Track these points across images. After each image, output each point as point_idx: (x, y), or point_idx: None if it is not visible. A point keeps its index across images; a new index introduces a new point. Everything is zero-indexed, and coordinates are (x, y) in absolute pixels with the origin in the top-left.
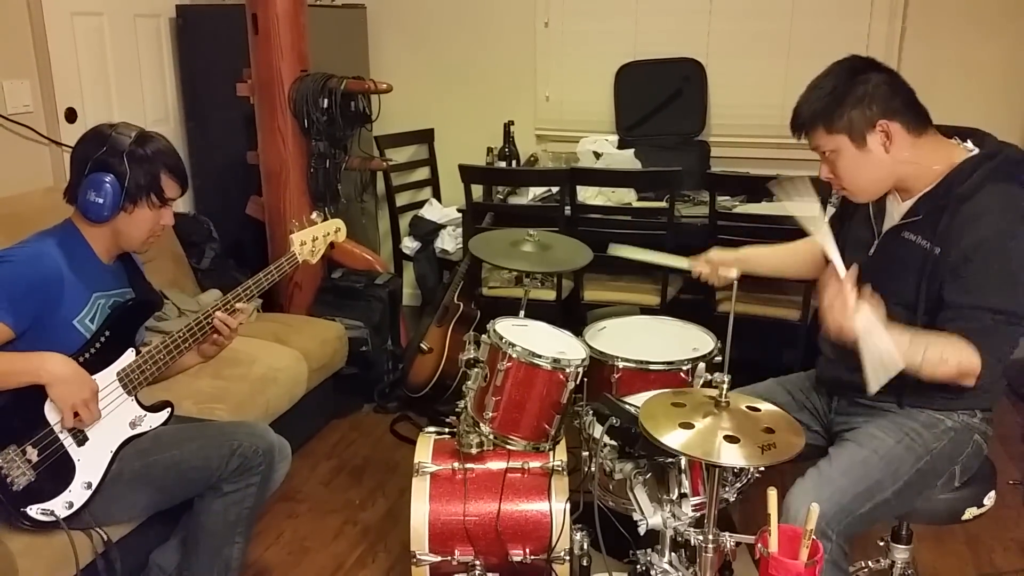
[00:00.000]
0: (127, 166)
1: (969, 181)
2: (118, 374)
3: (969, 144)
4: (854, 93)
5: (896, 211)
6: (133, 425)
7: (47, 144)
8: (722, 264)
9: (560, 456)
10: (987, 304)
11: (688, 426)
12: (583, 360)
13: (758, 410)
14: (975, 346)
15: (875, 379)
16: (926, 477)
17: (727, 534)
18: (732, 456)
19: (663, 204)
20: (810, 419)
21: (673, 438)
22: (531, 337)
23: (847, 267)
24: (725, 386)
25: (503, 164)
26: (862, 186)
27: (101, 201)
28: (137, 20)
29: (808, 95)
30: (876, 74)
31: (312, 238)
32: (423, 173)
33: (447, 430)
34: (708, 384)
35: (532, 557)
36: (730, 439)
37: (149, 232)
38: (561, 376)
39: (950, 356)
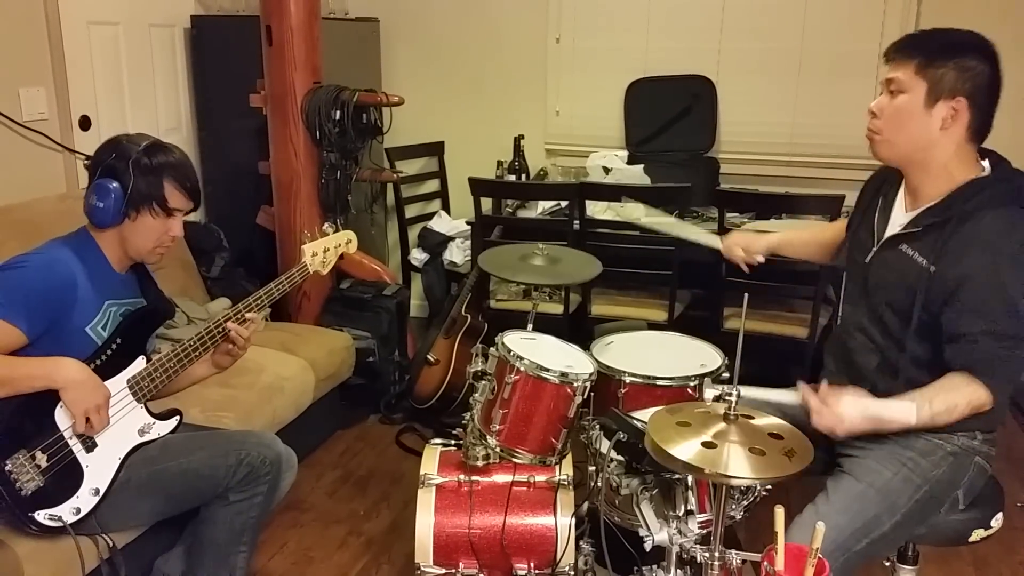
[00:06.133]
0: (131, 174)
1: (973, 201)
2: (128, 381)
3: (986, 163)
4: (965, 58)
5: (900, 220)
6: (142, 432)
7: (61, 151)
8: (754, 251)
9: (566, 470)
10: (986, 329)
11: (710, 446)
12: (590, 374)
13: (770, 430)
14: (981, 379)
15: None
16: (925, 507)
17: (733, 551)
18: (741, 468)
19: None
20: (814, 436)
21: (681, 451)
22: (539, 351)
23: (849, 269)
24: (734, 400)
25: (513, 178)
26: (894, 139)
27: (102, 206)
28: (152, 30)
29: (926, 31)
30: (991, 67)
31: (323, 249)
32: (433, 185)
33: (453, 442)
34: (718, 398)
35: (536, 571)
36: (756, 451)
37: (156, 242)
38: (568, 390)
39: (958, 401)
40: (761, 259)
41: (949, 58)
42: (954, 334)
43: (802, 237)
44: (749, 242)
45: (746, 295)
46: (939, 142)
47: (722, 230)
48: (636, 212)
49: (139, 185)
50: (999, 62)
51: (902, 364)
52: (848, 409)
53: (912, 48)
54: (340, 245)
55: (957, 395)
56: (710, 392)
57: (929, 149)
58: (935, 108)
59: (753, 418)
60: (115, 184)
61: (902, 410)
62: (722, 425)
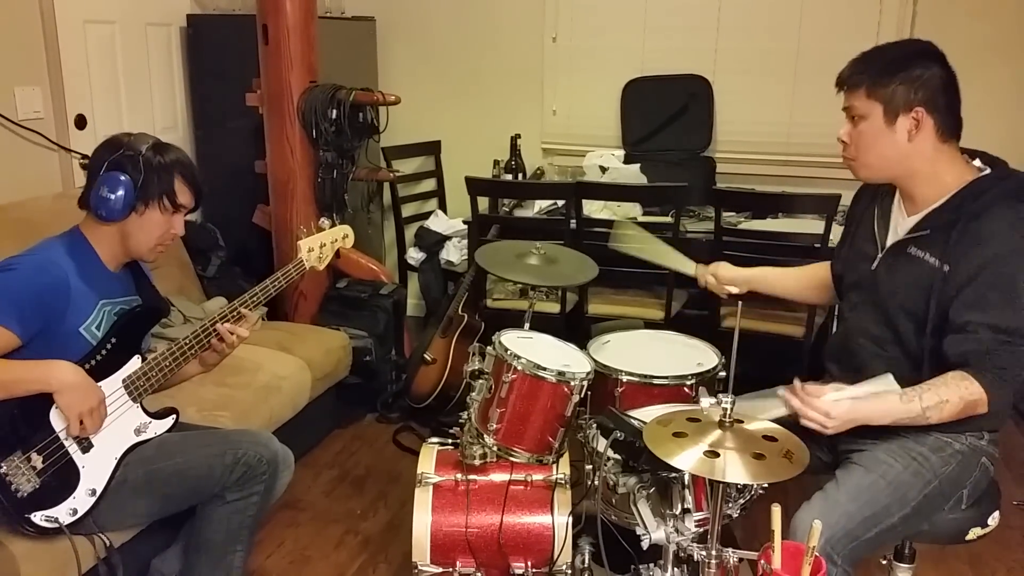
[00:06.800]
0: (142, 168)
1: (982, 199)
2: (123, 381)
3: (979, 163)
4: (910, 70)
5: (902, 225)
6: (138, 432)
7: (57, 150)
8: (729, 282)
9: (563, 469)
10: (988, 321)
11: (712, 454)
12: (587, 373)
13: (764, 433)
14: (975, 373)
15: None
16: (933, 502)
17: (730, 550)
18: (747, 474)
19: (668, 219)
20: (814, 436)
21: (684, 461)
22: (536, 350)
23: (850, 280)
24: (730, 408)
25: (509, 177)
26: (869, 161)
27: (113, 197)
28: (148, 29)
29: (867, 54)
30: (939, 67)
31: (320, 244)
32: (429, 185)
33: (450, 441)
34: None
35: (534, 570)
36: (757, 456)
37: (158, 239)
38: (565, 389)
39: (949, 396)
40: (733, 290)
41: (894, 75)
42: (956, 324)
43: (785, 275)
44: (724, 274)
45: (739, 301)
46: (912, 152)
47: (719, 229)
48: (628, 233)
49: (150, 178)
50: (946, 60)
51: (913, 371)
52: (831, 399)
53: (857, 75)
54: (336, 240)
55: (947, 390)
56: (706, 401)
57: (906, 161)
58: (896, 124)
59: (744, 423)
60: (125, 177)
61: (887, 398)
62: (718, 432)
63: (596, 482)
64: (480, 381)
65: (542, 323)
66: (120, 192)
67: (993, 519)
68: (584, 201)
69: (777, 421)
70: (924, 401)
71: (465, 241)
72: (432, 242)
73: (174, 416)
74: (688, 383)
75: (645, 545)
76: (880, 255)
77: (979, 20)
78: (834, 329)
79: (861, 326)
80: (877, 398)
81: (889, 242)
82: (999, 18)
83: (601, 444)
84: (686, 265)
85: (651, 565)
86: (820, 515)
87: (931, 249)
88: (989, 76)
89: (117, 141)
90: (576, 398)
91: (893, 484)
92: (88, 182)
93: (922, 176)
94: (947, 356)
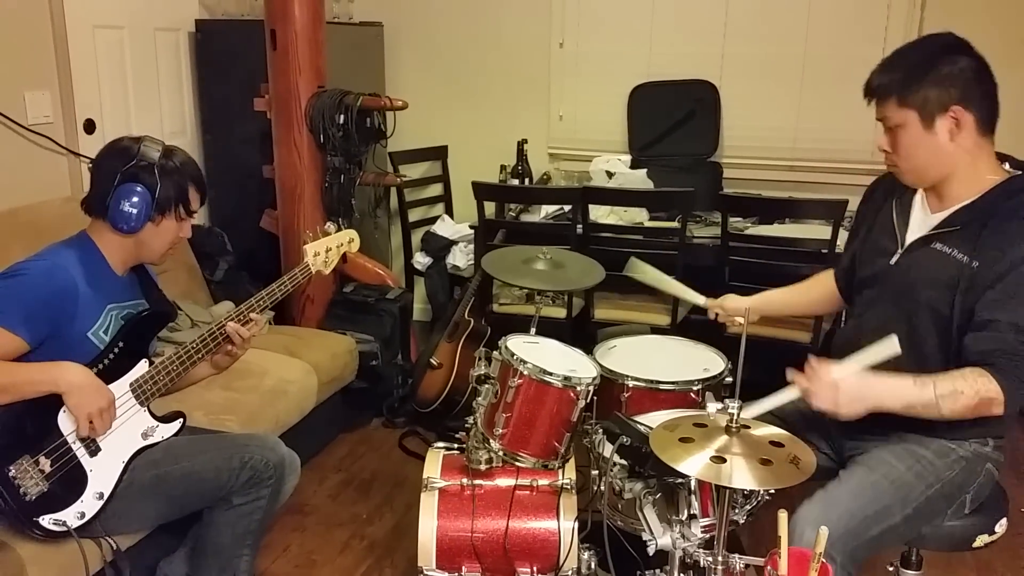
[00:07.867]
0: (158, 178)
1: (1016, 199)
2: (131, 385)
3: (1008, 167)
4: (938, 71)
5: (924, 221)
6: (145, 436)
7: (65, 154)
8: (736, 313)
9: (569, 474)
10: (1013, 321)
11: (719, 460)
12: (594, 378)
13: (770, 439)
14: (993, 372)
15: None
16: (935, 505)
17: (736, 556)
18: (754, 480)
19: (675, 224)
20: (820, 439)
21: (691, 467)
22: (542, 354)
23: (865, 275)
24: (737, 413)
25: (516, 182)
26: (915, 167)
27: (134, 212)
28: (157, 34)
29: (890, 60)
30: (967, 59)
31: (326, 249)
32: (436, 189)
33: (456, 446)
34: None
35: (539, 575)
36: (763, 462)
37: (170, 243)
38: (572, 394)
39: (964, 389)
40: (740, 320)
41: (922, 77)
42: (980, 321)
43: (789, 293)
44: (730, 305)
45: (748, 304)
46: (956, 150)
47: (725, 234)
48: (640, 269)
49: (167, 189)
50: (971, 48)
51: (928, 368)
52: (840, 373)
53: (884, 84)
54: (342, 244)
55: (964, 383)
56: (712, 406)
57: (950, 160)
58: (935, 126)
59: (750, 428)
60: (142, 189)
61: (901, 380)
62: (724, 438)
63: (602, 487)
64: (486, 386)
65: (548, 328)
66: (138, 206)
67: (1000, 526)
68: (591, 206)
69: (782, 421)
70: (938, 389)
71: (472, 246)
72: (439, 247)
73: (181, 420)
74: (694, 388)
75: (651, 551)
76: (900, 251)
77: (987, 25)
78: (842, 325)
79: (875, 323)
80: (890, 379)
81: (911, 238)
82: (1007, 23)
83: (607, 449)
84: (696, 298)
85: (657, 571)
86: (821, 512)
87: (959, 245)
88: (997, 81)
89: (127, 149)
90: (582, 403)
91: (896, 484)
92: (96, 189)
93: (961, 173)
94: (968, 353)
